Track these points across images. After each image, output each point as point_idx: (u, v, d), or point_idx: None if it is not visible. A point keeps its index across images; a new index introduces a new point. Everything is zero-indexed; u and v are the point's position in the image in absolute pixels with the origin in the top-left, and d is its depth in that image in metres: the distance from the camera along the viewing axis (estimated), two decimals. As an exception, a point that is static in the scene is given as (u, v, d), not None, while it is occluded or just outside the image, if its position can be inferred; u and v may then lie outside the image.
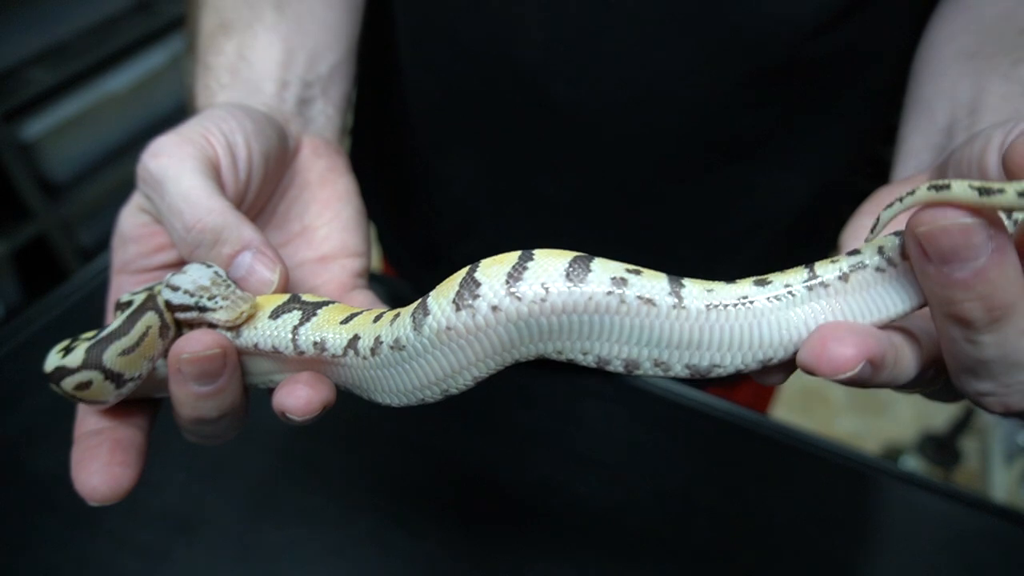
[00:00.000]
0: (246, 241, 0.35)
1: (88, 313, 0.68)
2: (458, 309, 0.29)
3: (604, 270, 0.29)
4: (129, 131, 1.82)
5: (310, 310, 0.33)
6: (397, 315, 0.32)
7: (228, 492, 0.56)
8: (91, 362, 0.31)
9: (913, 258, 0.27)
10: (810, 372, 0.28)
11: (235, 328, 0.33)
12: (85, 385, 0.31)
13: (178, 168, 0.35)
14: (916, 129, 0.47)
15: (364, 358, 0.32)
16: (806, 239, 0.66)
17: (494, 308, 0.29)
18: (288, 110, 0.45)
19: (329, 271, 0.41)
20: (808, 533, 0.56)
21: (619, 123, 0.55)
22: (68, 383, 0.31)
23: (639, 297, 0.29)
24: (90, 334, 0.34)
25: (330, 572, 0.52)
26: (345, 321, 0.33)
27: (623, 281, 0.29)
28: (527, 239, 0.63)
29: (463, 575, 0.52)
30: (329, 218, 0.42)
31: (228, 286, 0.33)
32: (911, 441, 1.72)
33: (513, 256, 0.30)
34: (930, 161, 0.44)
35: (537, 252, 0.30)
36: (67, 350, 0.32)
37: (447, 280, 0.31)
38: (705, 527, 0.55)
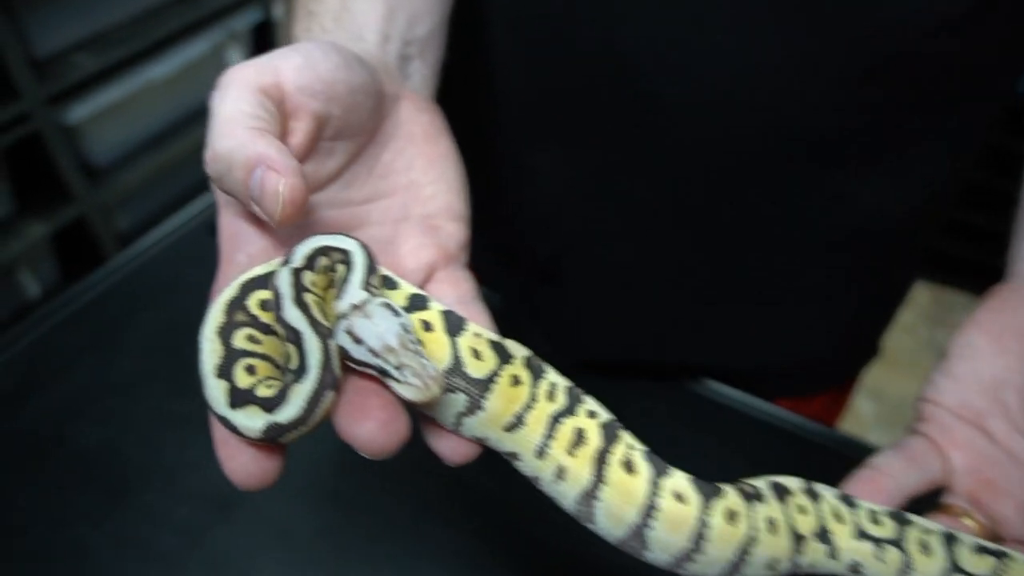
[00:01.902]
0: (255, 156, 0.31)
1: (124, 296, 0.69)
2: (622, 547, 0.34)
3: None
4: (170, 118, 1.85)
5: (476, 397, 0.32)
6: (565, 468, 0.34)
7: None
8: (268, 438, 0.29)
9: None
10: None
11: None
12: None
13: (221, 102, 0.33)
14: None
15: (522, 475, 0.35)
16: (899, 256, 0.64)
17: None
18: (390, 62, 0.45)
19: (436, 239, 0.39)
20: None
21: (722, 120, 0.53)
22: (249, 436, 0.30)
23: None
24: (257, 382, 0.30)
25: (365, 557, 0.52)
26: (509, 429, 0.33)
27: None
28: (609, 238, 0.62)
29: (497, 566, 0.52)
30: (434, 176, 0.41)
31: (417, 353, 0.30)
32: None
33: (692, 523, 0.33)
34: None
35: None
36: (242, 399, 0.30)
37: (625, 487, 0.33)
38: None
